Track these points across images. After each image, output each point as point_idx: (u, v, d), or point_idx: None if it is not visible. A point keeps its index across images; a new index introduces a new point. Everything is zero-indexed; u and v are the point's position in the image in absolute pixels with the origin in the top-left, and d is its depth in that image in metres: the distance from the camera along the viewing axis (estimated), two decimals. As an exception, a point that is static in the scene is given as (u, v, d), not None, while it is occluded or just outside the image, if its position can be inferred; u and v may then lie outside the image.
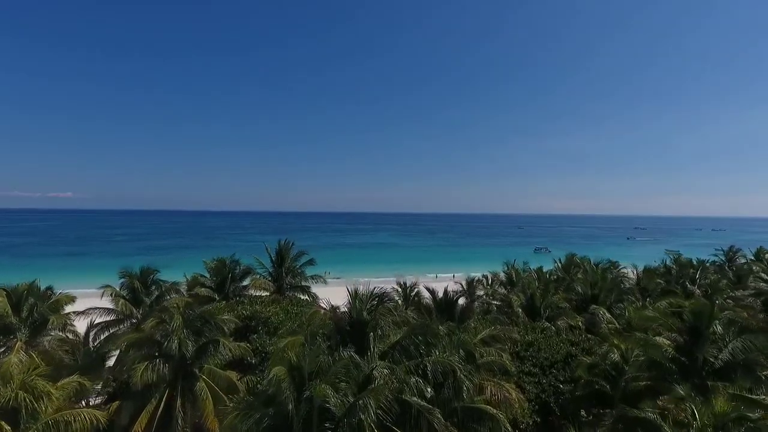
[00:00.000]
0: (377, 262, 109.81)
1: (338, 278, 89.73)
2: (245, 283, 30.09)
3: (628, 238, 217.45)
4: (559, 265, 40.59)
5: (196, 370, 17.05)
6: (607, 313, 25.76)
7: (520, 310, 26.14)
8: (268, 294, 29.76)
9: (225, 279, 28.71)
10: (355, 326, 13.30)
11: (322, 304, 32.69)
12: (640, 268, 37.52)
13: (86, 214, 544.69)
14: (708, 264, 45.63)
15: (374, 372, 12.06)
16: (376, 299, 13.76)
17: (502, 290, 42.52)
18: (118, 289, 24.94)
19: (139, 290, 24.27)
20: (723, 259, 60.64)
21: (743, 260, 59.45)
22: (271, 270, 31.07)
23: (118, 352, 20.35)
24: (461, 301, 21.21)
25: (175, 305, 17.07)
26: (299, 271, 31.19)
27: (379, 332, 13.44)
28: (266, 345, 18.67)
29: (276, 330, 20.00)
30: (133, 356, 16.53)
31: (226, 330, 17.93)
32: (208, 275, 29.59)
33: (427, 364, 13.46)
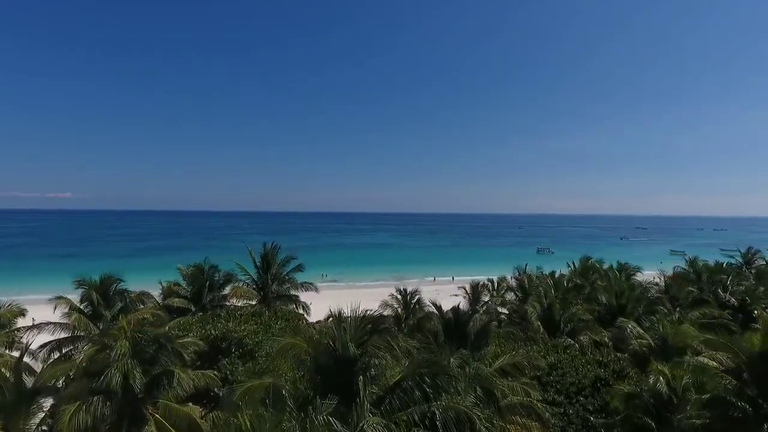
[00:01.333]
0: (376, 264, 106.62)
1: (335, 281, 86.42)
2: (227, 291, 26.76)
3: (621, 238, 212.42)
4: (574, 269, 37.13)
5: (148, 408, 13.76)
6: (637, 328, 22.43)
7: (539, 323, 22.77)
8: (252, 304, 26.51)
9: (202, 287, 25.39)
10: (340, 364, 10.04)
11: (309, 316, 29.54)
12: (668, 273, 34.08)
13: (85, 214, 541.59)
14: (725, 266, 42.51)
15: (365, 429, 8.78)
16: (369, 326, 10.45)
17: (510, 296, 39.13)
18: (75, 301, 21.62)
19: (97, 303, 20.92)
20: (740, 261, 57.28)
21: (762, 262, 56.13)
22: (255, 277, 27.68)
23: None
24: (474, 316, 17.52)
25: (122, 327, 13.76)
26: (287, 277, 27.77)
27: (373, 372, 10.17)
28: (238, 373, 15.40)
29: (252, 353, 16.75)
30: (67, 393, 13.24)
31: (187, 357, 14.66)
32: (184, 283, 26.30)
33: (436, 412, 10.19)
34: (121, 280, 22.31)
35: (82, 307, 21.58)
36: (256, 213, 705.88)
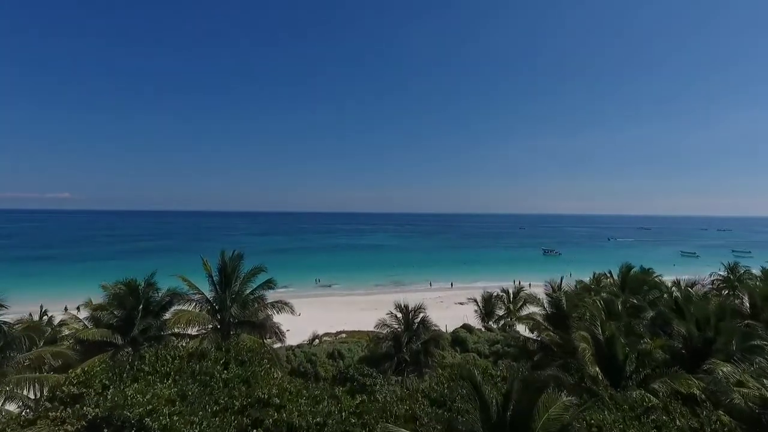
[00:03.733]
0: (373, 267, 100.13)
1: (330, 286, 79.73)
2: (169, 315, 19.96)
3: (609, 239, 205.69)
4: (613, 279, 30.05)
5: None
6: (739, 374, 15.74)
7: (598, 370, 15.99)
8: (204, 333, 19.80)
9: (133, 312, 18.64)
10: None
11: (284, 342, 22.89)
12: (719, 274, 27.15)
13: (83, 214, 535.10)
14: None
15: None
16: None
17: (532, 309, 32.56)
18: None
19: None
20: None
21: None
22: (210, 296, 20.74)
23: None
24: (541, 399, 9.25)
25: None
26: (251, 297, 20.78)
27: None
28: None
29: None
30: None
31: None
32: (113, 305, 19.53)
33: None
34: (2, 305, 15.51)
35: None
36: (255, 213, 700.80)
